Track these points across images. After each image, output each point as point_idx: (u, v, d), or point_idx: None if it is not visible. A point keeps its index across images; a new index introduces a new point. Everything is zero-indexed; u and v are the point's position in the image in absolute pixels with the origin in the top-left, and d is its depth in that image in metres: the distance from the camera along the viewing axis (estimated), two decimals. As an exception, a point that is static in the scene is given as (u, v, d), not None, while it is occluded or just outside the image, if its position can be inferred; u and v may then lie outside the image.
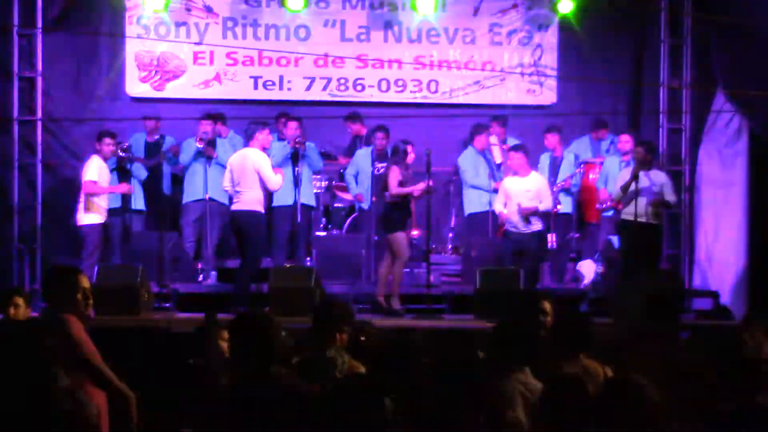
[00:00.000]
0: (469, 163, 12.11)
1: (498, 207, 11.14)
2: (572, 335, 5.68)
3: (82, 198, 11.09)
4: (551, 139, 12.14)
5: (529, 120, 12.80)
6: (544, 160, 12.14)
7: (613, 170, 11.66)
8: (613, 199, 11.26)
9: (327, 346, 5.59)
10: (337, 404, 3.72)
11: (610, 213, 11.76)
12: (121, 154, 11.48)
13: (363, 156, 12.08)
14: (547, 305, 6.93)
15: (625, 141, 11.78)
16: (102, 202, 11.17)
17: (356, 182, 12.07)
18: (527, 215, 10.83)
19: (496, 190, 11.55)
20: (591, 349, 5.68)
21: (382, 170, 11.81)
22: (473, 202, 12.14)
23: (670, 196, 11.02)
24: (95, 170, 11.05)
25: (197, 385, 4.80)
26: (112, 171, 11.44)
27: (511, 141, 12.42)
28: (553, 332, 5.89)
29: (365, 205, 11.96)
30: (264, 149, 10.54)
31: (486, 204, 11.97)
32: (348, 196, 12.40)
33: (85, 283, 5.10)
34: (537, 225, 10.96)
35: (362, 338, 6.04)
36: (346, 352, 5.64)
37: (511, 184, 11.00)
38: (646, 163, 10.87)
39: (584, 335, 5.73)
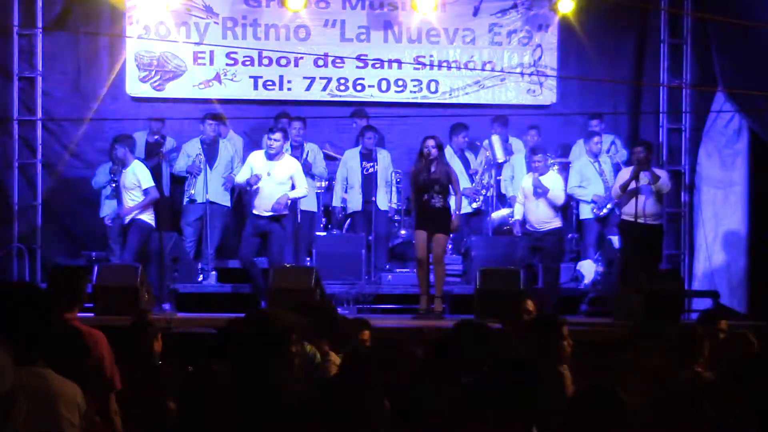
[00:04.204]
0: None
1: (517, 213, 11.18)
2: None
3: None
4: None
5: (529, 120, 12.79)
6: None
7: (586, 171, 11.74)
8: (612, 199, 11.28)
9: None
10: (334, 404, 3.61)
11: (604, 212, 11.81)
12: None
13: (351, 156, 12.09)
14: (530, 304, 6.94)
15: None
16: None
17: (347, 183, 12.05)
18: (539, 188, 10.83)
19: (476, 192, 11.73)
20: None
21: (371, 170, 11.81)
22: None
23: (665, 187, 10.99)
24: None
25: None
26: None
27: (512, 141, 12.45)
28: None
29: (357, 207, 11.95)
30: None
31: (466, 206, 12.02)
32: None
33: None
34: (553, 223, 10.95)
35: None
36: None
37: (527, 181, 11.04)
38: (646, 162, 10.87)
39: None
